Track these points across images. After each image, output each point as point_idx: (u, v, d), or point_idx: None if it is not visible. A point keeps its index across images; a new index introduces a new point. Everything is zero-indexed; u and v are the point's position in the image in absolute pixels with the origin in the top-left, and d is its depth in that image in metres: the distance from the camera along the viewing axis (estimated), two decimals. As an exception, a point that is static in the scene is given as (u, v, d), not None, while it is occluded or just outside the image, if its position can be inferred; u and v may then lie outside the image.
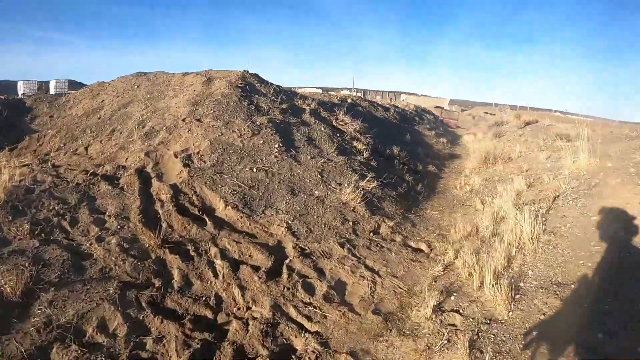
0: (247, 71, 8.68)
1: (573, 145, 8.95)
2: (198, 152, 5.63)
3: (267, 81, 8.71)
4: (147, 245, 4.02)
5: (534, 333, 3.10)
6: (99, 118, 7.77)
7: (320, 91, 17.91)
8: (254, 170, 5.52)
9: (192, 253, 3.98)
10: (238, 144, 5.95)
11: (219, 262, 3.87)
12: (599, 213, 4.45)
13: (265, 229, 4.56)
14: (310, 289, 3.80)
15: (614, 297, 3.21)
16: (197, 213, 4.57)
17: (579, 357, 2.74)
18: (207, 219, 4.48)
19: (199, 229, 4.31)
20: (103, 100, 8.71)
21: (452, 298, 3.83)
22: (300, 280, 3.85)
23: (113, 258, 3.76)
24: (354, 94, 21.38)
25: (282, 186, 5.43)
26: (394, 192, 6.52)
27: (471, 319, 3.46)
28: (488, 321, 3.39)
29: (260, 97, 7.62)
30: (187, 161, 5.46)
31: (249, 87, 7.91)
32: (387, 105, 15.45)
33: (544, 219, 4.85)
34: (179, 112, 6.81)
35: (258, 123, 6.53)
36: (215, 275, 3.76)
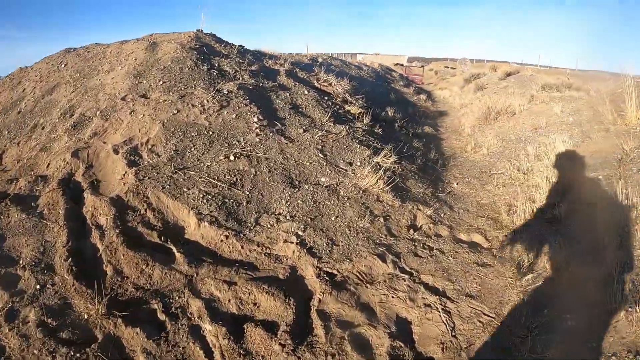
0: (201, 30, 6.63)
1: (582, 97, 8.04)
2: (147, 142, 3.85)
3: (226, 41, 6.75)
4: (85, 317, 2.37)
5: None
6: (19, 112, 5.59)
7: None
8: (232, 157, 3.87)
9: (162, 316, 2.39)
10: (202, 123, 4.21)
11: (209, 328, 2.32)
12: None
13: (267, 251, 3.02)
14: (364, 347, 2.39)
15: None
16: (157, 240, 2.92)
17: None
18: (173, 248, 2.85)
19: (165, 269, 2.68)
20: (24, 89, 6.38)
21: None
22: (346, 334, 2.42)
23: (35, 351, 2.11)
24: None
25: (275, 176, 3.85)
26: (414, 166, 5.16)
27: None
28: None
29: (223, 59, 5.75)
30: (132, 157, 3.69)
31: (207, 48, 5.97)
32: (358, 64, 13.82)
33: (624, 191, 3.68)
34: (116, 90, 4.86)
35: (225, 91, 4.76)
36: (209, 354, 2.21)
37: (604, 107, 5.57)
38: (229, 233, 3.02)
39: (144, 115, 4.16)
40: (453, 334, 2.60)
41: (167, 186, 3.32)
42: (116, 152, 3.84)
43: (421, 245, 3.48)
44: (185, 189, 3.33)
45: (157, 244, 2.87)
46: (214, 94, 4.59)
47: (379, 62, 25.74)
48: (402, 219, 3.79)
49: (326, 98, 6.22)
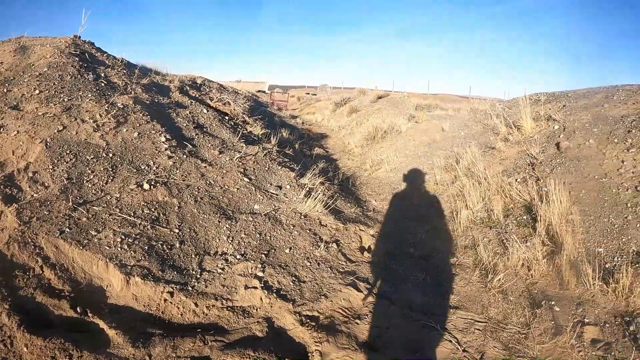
0: (79, 37, 5.14)
1: (456, 115, 9.27)
2: (27, 168, 2.61)
3: (107, 52, 5.42)
4: None
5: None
6: None
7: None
8: (146, 186, 2.96)
9: None
10: (98, 143, 3.14)
11: None
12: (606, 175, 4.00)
13: (229, 304, 2.31)
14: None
15: None
16: (70, 313, 1.90)
17: None
18: (101, 323, 1.89)
19: (101, 358, 1.72)
20: None
21: (557, 308, 2.74)
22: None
23: None
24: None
25: (204, 207, 3.11)
26: (337, 186, 4.99)
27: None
28: None
29: (108, 69, 4.54)
30: (8, 189, 2.44)
31: (89, 55, 4.64)
32: (232, 89, 13.28)
33: (545, 190, 4.15)
34: (-32, 101, 3.25)
35: (120, 105, 3.71)
36: None
37: (491, 121, 6.40)
38: (172, 288, 2.20)
39: (18, 132, 2.88)
40: (462, 348, 2.43)
41: (67, 230, 2.26)
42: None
43: (382, 267, 3.27)
44: (93, 232, 2.32)
45: (72, 319, 1.86)
46: (108, 107, 3.52)
47: (243, 88, 25.47)
48: (351, 242, 3.53)
49: (227, 118, 5.60)
